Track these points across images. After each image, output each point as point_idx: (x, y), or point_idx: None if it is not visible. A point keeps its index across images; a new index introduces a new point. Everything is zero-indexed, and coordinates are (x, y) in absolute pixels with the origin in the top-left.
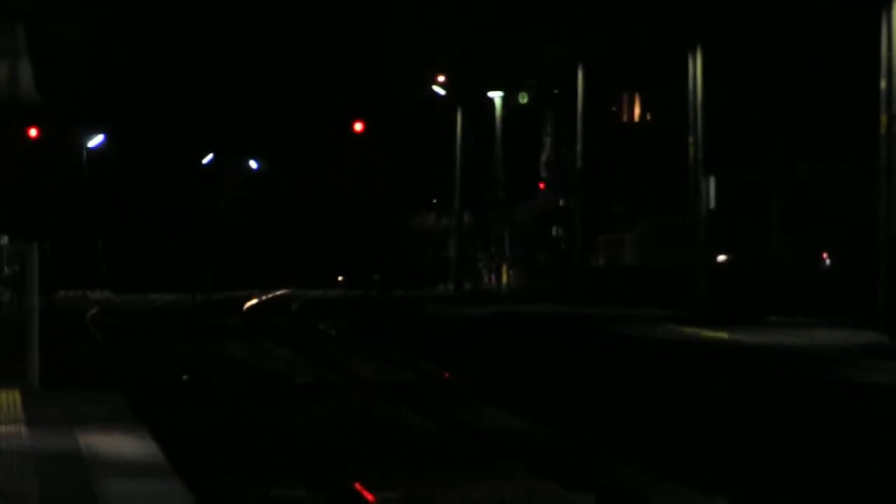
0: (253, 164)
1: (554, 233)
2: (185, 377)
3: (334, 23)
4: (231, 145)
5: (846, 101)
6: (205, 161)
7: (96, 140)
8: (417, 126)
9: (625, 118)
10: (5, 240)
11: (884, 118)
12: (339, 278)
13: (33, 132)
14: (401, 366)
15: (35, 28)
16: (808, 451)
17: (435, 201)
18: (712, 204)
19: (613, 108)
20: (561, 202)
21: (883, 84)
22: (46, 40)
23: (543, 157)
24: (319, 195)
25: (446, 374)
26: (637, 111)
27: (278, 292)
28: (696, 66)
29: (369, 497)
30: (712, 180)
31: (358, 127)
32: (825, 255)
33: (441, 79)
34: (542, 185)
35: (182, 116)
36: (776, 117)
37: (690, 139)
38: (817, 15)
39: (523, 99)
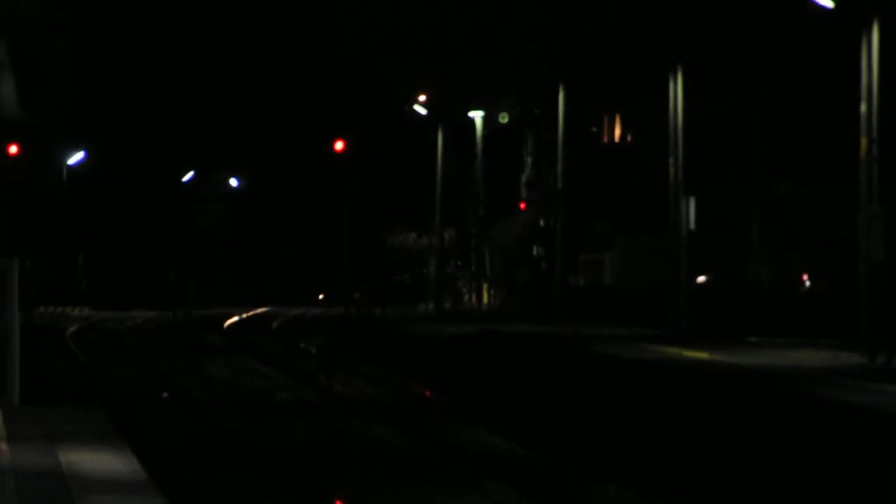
0: (233, 181)
1: (534, 252)
2: (165, 394)
3: (316, 42)
4: (211, 162)
5: (827, 123)
6: (185, 178)
7: (77, 157)
8: (398, 145)
9: (606, 138)
10: None
11: (864, 141)
12: (320, 296)
13: (13, 149)
14: (381, 384)
15: (18, 44)
16: (790, 472)
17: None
18: (692, 224)
19: (594, 129)
20: (542, 222)
21: (863, 107)
22: (29, 56)
23: (524, 177)
24: (299, 213)
25: (427, 392)
26: (618, 131)
27: (259, 310)
28: (677, 87)
29: None
30: (692, 201)
31: (339, 146)
32: (805, 276)
33: (423, 98)
34: (522, 205)
35: (162, 133)
36: (757, 139)
37: (671, 160)
38: (798, 37)
39: (504, 119)
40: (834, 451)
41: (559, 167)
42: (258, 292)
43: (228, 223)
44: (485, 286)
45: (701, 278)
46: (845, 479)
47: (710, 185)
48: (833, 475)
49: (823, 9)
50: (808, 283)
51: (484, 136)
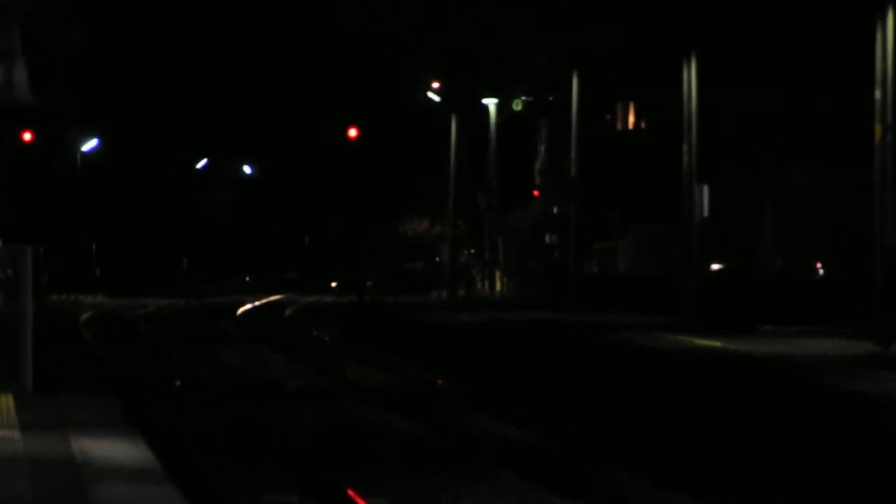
0: (247, 168)
1: (548, 240)
2: (177, 382)
3: (329, 28)
4: (225, 150)
5: (841, 109)
6: (199, 165)
7: (90, 144)
8: (412, 132)
9: (619, 126)
10: None
11: (878, 128)
12: (333, 284)
13: (27, 136)
14: (393, 372)
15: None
16: (803, 461)
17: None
18: (706, 212)
19: (608, 116)
20: (555, 209)
21: (878, 93)
22: (42, 43)
23: (538, 165)
24: (313, 201)
25: (439, 381)
26: (632, 119)
27: (271, 297)
28: (691, 74)
29: (361, 502)
30: (706, 188)
31: (352, 133)
32: (818, 264)
33: (436, 85)
34: (536, 193)
35: (176, 121)
36: (771, 125)
37: (685, 147)
38: (813, 23)
39: (517, 106)
40: (845, 441)
41: (573, 155)
42: (272, 280)
43: (241, 210)
44: (498, 274)
45: (715, 265)
46: (856, 468)
47: (724, 173)
48: (844, 464)
49: None
50: (821, 271)
51: (497, 123)
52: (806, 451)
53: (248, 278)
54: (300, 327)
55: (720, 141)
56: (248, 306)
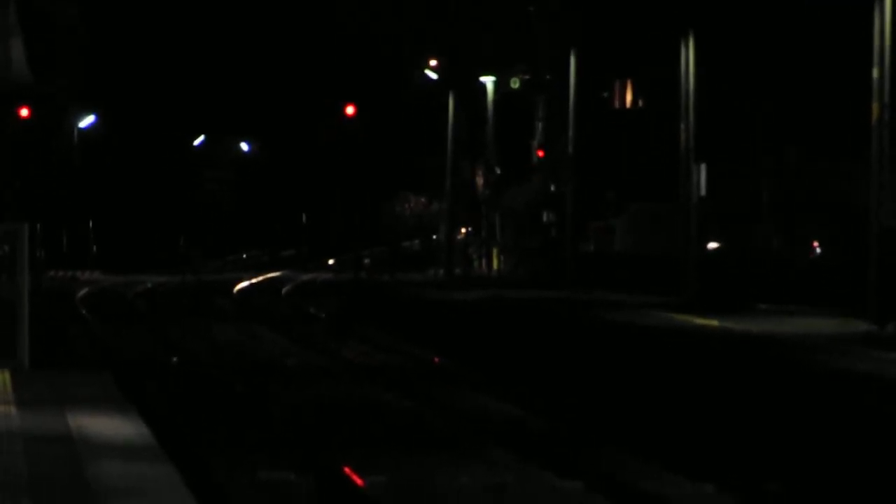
0: (244, 145)
1: (545, 218)
2: (174, 359)
3: (328, 5)
4: (222, 127)
5: (838, 90)
6: (196, 142)
7: (87, 120)
8: (409, 109)
9: (617, 104)
10: None
11: (875, 107)
12: (330, 262)
13: (24, 112)
14: (389, 350)
15: (29, 7)
16: (796, 440)
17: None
18: (703, 191)
19: (606, 94)
20: (552, 188)
21: (875, 73)
22: (39, 19)
23: (535, 143)
24: (310, 178)
25: (435, 359)
26: (629, 97)
27: (268, 275)
28: (689, 53)
29: (358, 481)
30: (703, 168)
31: (350, 110)
32: (815, 243)
33: (433, 63)
34: (533, 171)
35: (174, 98)
36: (768, 105)
37: (682, 126)
38: (811, 3)
39: (515, 84)
40: (837, 419)
41: (570, 133)
42: (269, 257)
43: (238, 187)
44: (495, 252)
45: (712, 245)
46: (848, 446)
47: (722, 152)
48: (835, 443)
49: None
50: (818, 251)
51: (495, 101)
52: (799, 429)
53: (245, 255)
54: (297, 305)
55: (718, 120)
56: (245, 283)
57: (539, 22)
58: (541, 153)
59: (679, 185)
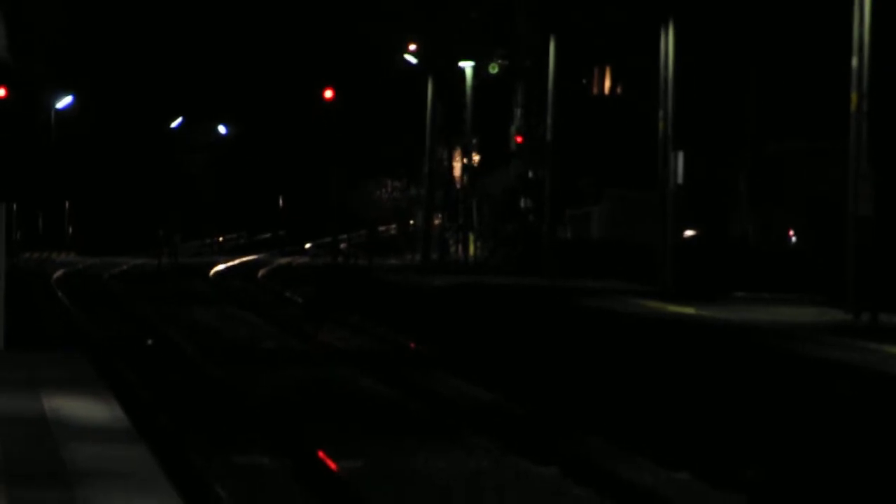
0: (222, 128)
1: (522, 205)
2: (149, 341)
3: None
4: (200, 109)
5: (816, 78)
6: (173, 125)
7: (65, 101)
8: (388, 94)
9: (595, 91)
10: None
11: (854, 96)
12: (307, 246)
13: (1, 92)
14: (365, 334)
15: None
16: (772, 427)
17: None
18: (680, 179)
19: (584, 81)
20: (530, 174)
21: (854, 61)
22: (20, 2)
23: (513, 129)
24: (288, 162)
25: (411, 344)
26: (608, 84)
27: (245, 258)
28: (668, 41)
29: (332, 465)
30: (681, 155)
31: (328, 94)
32: (791, 232)
33: (413, 47)
34: (511, 157)
35: (152, 80)
36: (747, 94)
37: (661, 114)
38: None
39: (493, 69)
40: (813, 407)
41: (548, 119)
42: (246, 241)
43: (216, 170)
44: (472, 238)
45: (688, 233)
46: (824, 435)
47: (699, 140)
48: (811, 431)
49: None
50: (794, 239)
51: (473, 86)
52: (775, 416)
53: (221, 238)
54: (273, 289)
55: (697, 108)
56: (222, 266)
57: (519, 8)
58: (519, 139)
59: (657, 172)
